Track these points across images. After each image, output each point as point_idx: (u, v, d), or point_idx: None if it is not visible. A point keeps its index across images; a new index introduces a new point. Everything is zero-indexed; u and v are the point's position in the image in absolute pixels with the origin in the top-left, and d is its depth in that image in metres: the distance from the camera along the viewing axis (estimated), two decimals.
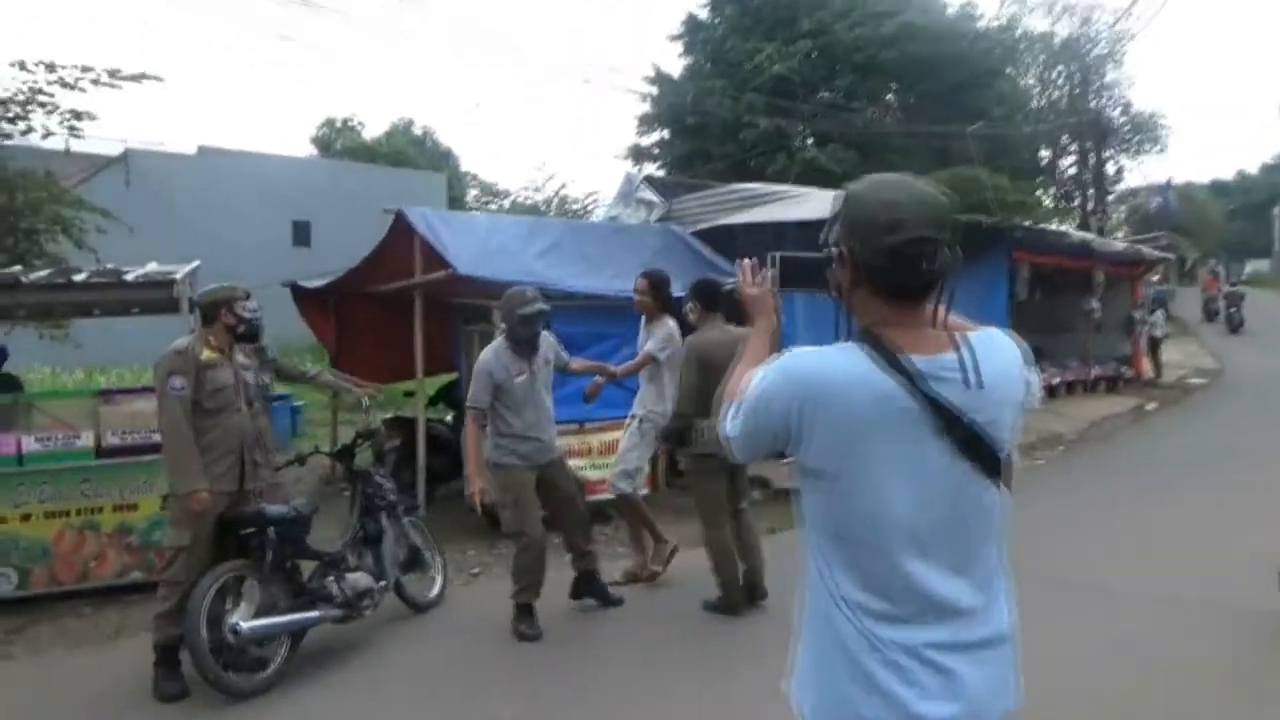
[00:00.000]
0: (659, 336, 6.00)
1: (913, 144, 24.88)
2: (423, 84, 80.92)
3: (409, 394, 10.35)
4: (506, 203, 33.74)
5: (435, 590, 5.64)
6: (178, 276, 6.11)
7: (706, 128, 26.01)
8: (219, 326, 4.72)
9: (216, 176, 25.10)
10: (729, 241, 9.60)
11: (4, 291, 5.93)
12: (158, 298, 6.28)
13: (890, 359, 1.57)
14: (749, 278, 2.08)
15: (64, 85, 9.90)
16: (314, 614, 4.49)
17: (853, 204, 1.64)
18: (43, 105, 10.05)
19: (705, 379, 5.05)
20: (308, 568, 4.79)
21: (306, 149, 38.85)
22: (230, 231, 22.90)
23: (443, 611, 5.61)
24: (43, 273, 6.35)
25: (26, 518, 6.00)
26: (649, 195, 10.31)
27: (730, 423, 1.70)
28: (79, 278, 6.09)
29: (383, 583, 4.93)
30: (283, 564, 4.46)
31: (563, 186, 26.34)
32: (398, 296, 8.60)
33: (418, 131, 40.69)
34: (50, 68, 9.84)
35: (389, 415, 9.59)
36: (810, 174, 22.74)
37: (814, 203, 9.30)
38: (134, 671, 4.69)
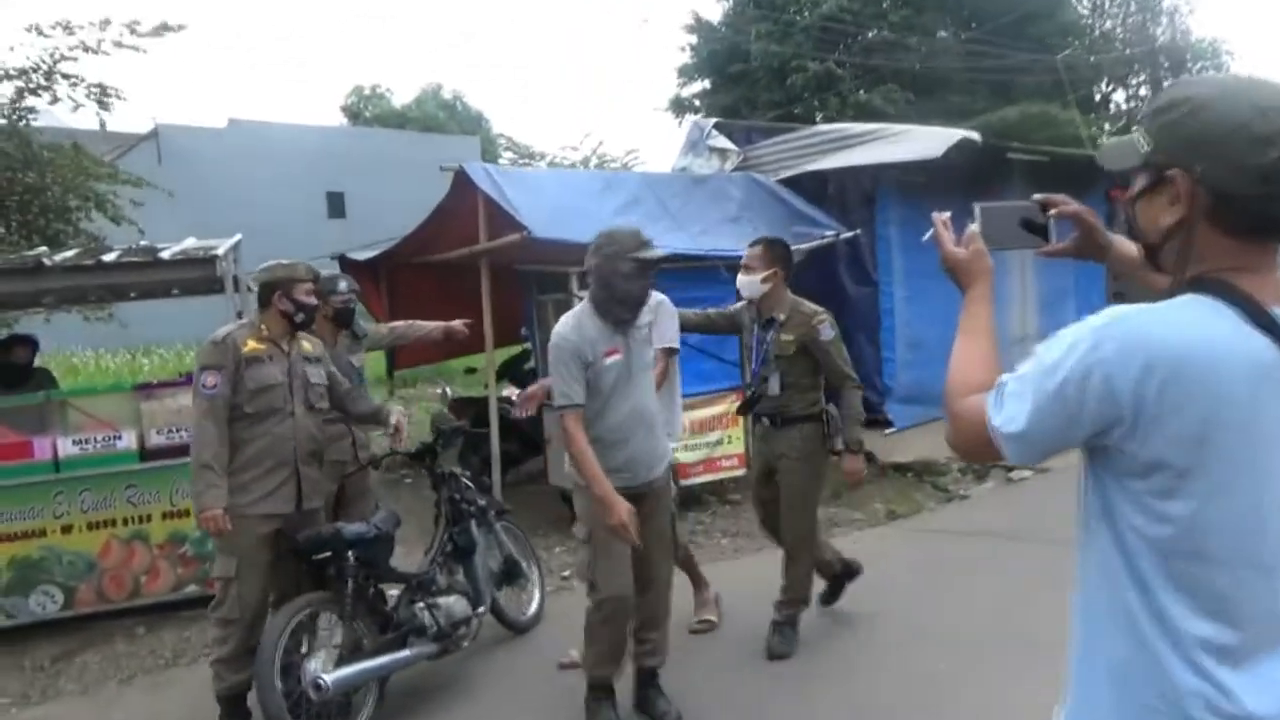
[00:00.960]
0: (666, 317, 4.26)
1: (973, 80, 23.52)
2: (450, 46, 79.25)
3: (470, 370, 9.64)
4: (543, 164, 32.75)
5: (534, 606, 4.87)
6: (219, 252, 5.36)
7: (750, 75, 24.80)
8: (273, 313, 3.92)
9: (248, 149, 24.48)
10: (819, 189, 8.66)
11: (26, 277, 5.20)
12: (199, 276, 5.55)
13: (1260, 316, 1.21)
14: (948, 237, 1.62)
15: (85, 49, 9.20)
16: (406, 653, 3.73)
17: (1202, 111, 1.24)
18: (66, 76, 9.36)
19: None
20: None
21: (337, 118, 38.10)
22: (265, 205, 22.32)
23: (543, 630, 4.83)
24: (69, 253, 5.63)
25: (68, 530, 5.35)
26: (722, 143, 9.36)
27: (1001, 415, 1.31)
28: (109, 258, 5.35)
29: (481, 608, 4.16)
30: (364, 593, 3.71)
31: (600, 144, 25.27)
32: (455, 264, 7.84)
33: (447, 96, 39.69)
34: (68, 28, 9.11)
35: (453, 396, 8.85)
36: (863, 117, 21.49)
37: (917, 141, 8.29)
38: (197, 715, 4.01)
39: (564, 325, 3.56)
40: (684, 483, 6.88)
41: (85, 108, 9.75)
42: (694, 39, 25.88)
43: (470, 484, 4.52)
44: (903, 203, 8.47)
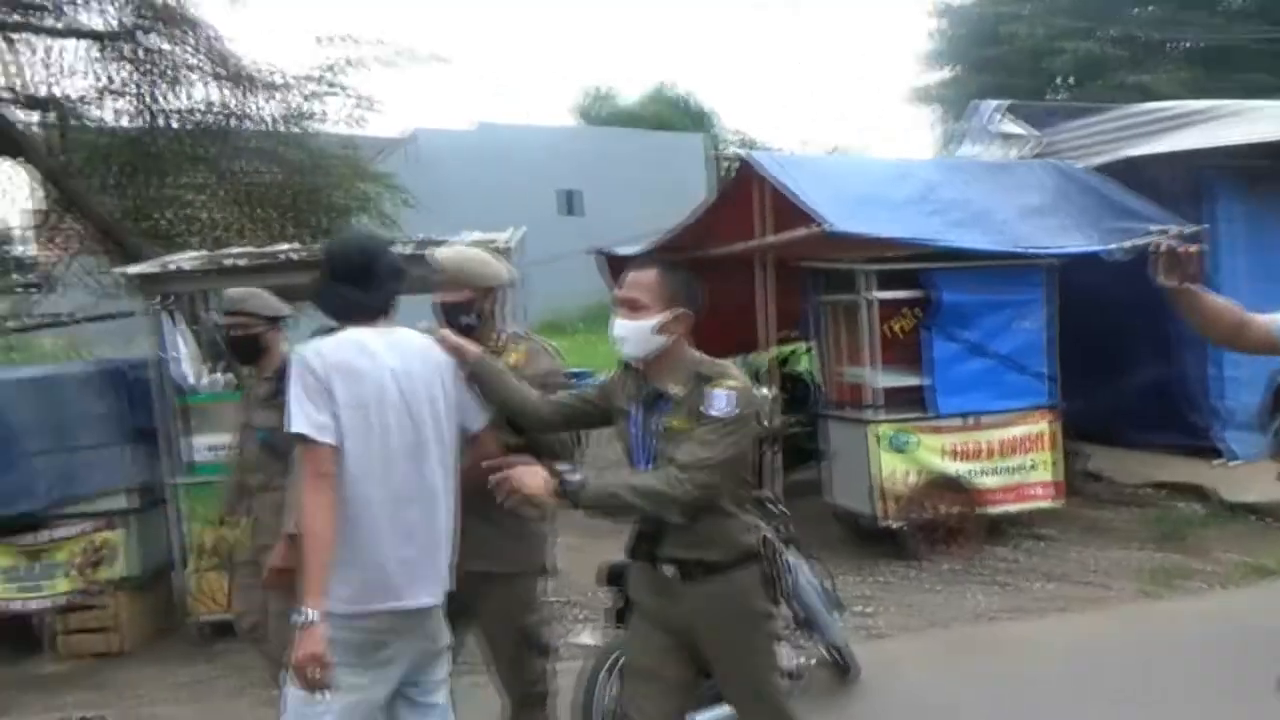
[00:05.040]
0: None
1: (1264, 52, 20.68)
2: (681, 44, 79.93)
3: None
4: None
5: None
6: (512, 244, 5.14)
7: (1003, 60, 23.00)
8: None
9: (492, 151, 25.53)
10: (1136, 179, 7.49)
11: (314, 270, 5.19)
12: None
13: None
14: None
15: (350, 63, 9.61)
16: (727, 709, 3.19)
17: None
18: (343, 88, 9.82)
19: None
20: None
21: (570, 119, 39.17)
22: (503, 204, 23.04)
23: (871, 680, 4.16)
24: None
25: None
26: (1013, 128, 8.37)
27: None
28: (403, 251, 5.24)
29: (809, 659, 3.59)
30: None
31: (836, 147, 24.30)
32: (717, 260, 7.42)
33: (677, 94, 39.82)
34: (351, 42, 9.52)
35: None
36: (1138, 101, 19.40)
37: (1270, 120, 6.97)
38: None
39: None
40: (988, 511, 6.09)
41: (351, 115, 10.23)
42: (941, 23, 24.36)
43: (779, 507, 3.98)
44: (1243, 194, 7.18)
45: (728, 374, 2.47)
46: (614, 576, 3.31)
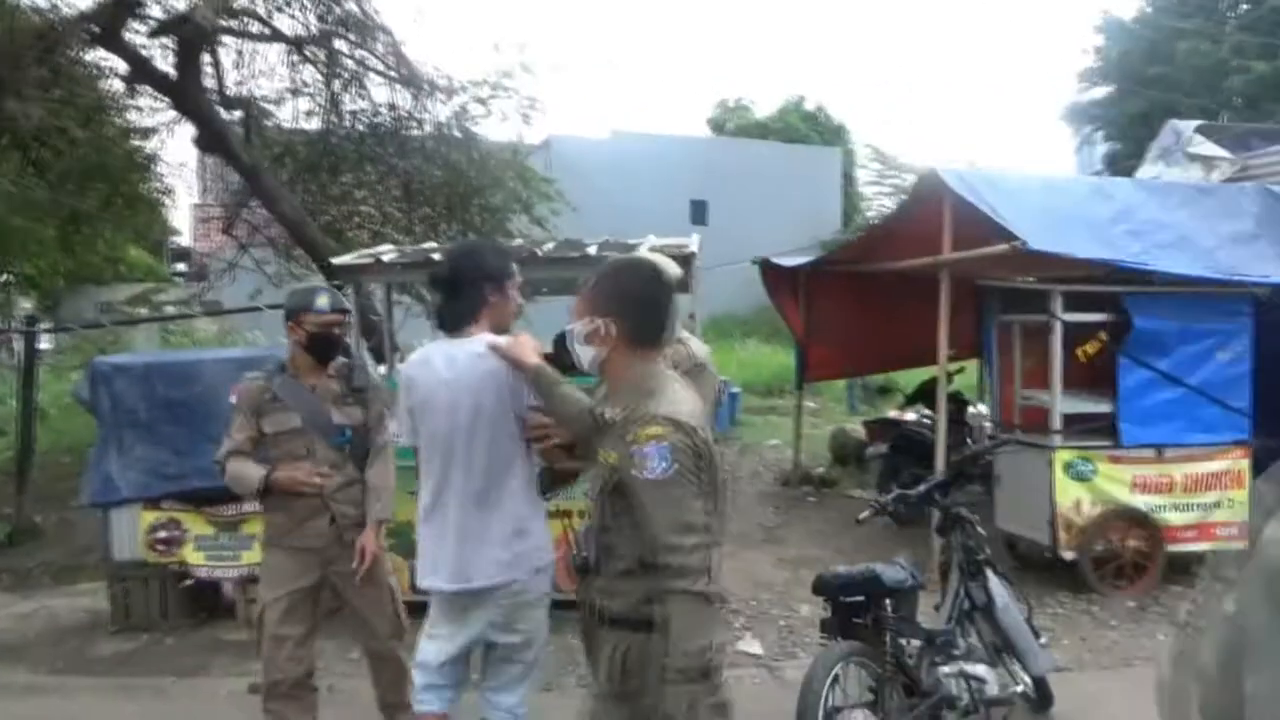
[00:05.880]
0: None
1: None
2: (814, 58, 79.25)
3: (884, 390, 9.10)
4: (909, 178, 31.36)
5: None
6: (695, 249, 5.18)
7: (1169, 79, 21.87)
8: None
9: (624, 159, 25.85)
10: None
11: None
12: None
13: None
14: None
15: (524, 69, 9.91)
16: None
17: None
18: (511, 91, 10.14)
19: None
20: None
21: (702, 130, 39.31)
22: (634, 210, 23.34)
23: (1066, 715, 3.95)
24: (549, 245, 5.77)
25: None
26: (1209, 149, 7.93)
27: None
28: (591, 250, 5.38)
29: (1017, 686, 3.47)
30: (901, 649, 3.20)
31: (973, 163, 23.57)
32: (874, 275, 7.33)
33: (810, 108, 39.43)
34: (522, 48, 9.83)
35: (870, 417, 8.32)
36: None
37: None
38: None
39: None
40: (1172, 549, 5.78)
41: (511, 120, 10.56)
42: (1101, 40, 23.37)
43: (979, 528, 3.88)
44: None
45: (655, 416, 2.03)
46: (824, 587, 3.30)
